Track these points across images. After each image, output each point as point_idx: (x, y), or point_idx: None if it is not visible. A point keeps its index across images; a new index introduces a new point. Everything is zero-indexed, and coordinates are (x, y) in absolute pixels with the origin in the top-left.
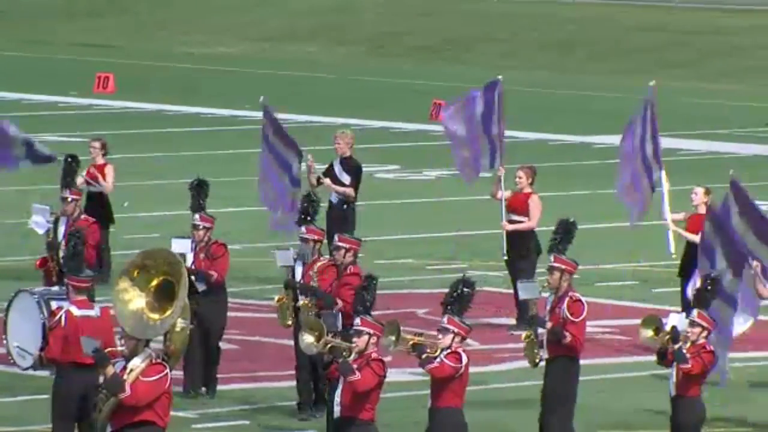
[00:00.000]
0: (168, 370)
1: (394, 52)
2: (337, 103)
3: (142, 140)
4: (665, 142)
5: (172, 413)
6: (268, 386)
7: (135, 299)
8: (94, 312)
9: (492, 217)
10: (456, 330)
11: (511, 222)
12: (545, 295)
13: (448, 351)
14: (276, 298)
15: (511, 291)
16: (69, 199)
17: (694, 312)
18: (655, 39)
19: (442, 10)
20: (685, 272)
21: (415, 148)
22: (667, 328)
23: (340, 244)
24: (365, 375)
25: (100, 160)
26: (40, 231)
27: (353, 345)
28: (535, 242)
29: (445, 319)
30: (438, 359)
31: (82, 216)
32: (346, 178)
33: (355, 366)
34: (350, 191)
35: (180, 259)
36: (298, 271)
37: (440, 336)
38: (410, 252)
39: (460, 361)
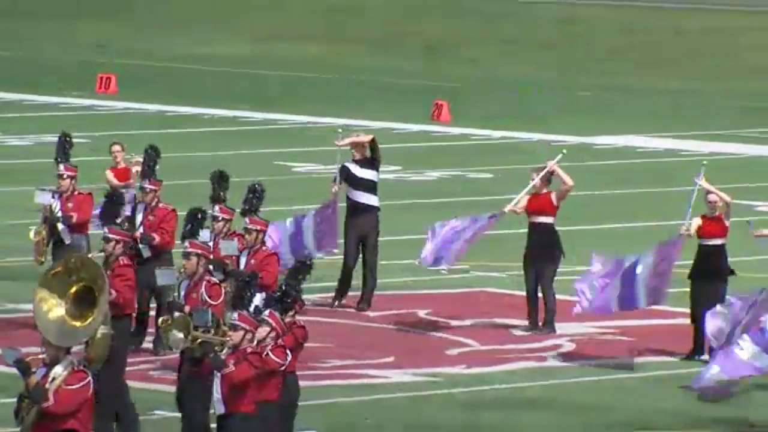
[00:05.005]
0: (90, 377)
1: (395, 52)
2: (337, 104)
3: (145, 141)
4: (665, 143)
5: (170, 413)
6: None
7: (55, 308)
8: None
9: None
10: (247, 327)
11: (537, 225)
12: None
13: (272, 346)
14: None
15: (510, 291)
16: (64, 176)
17: (235, 314)
18: (654, 39)
19: (443, 9)
20: (697, 275)
21: (417, 149)
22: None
23: (251, 226)
24: (241, 367)
25: (122, 164)
26: (46, 203)
27: (227, 340)
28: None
29: (235, 315)
30: (265, 354)
31: (161, 204)
32: (371, 174)
33: (232, 361)
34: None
35: (100, 265)
36: (242, 261)
37: (230, 333)
38: (410, 252)
39: (262, 362)
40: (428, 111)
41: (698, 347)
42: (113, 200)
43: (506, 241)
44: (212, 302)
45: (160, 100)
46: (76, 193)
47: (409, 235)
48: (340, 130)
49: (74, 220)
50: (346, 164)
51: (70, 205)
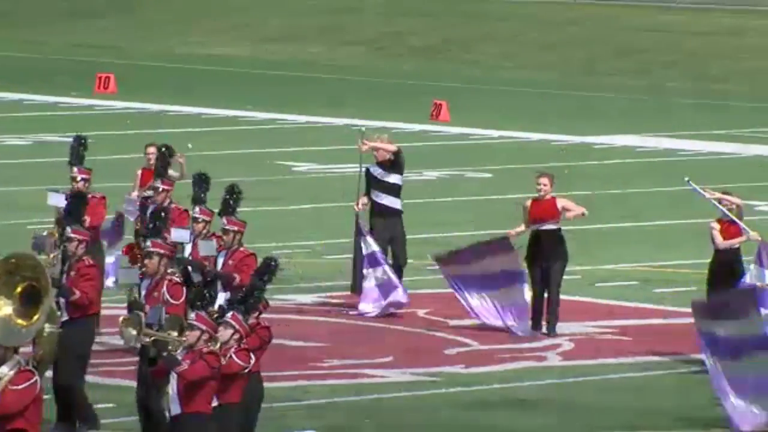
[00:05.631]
0: (37, 377)
1: (394, 52)
2: (337, 103)
3: (144, 141)
4: (666, 143)
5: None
6: (270, 386)
7: (1, 307)
8: None
9: (491, 218)
10: (204, 327)
11: (539, 232)
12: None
13: (233, 348)
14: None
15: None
16: (78, 179)
17: (192, 314)
18: (654, 39)
19: (442, 10)
20: (715, 280)
21: (416, 149)
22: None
23: (228, 227)
24: (197, 366)
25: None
26: (59, 204)
27: (182, 339)
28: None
29: (192, 315)
30: (228, 357)
31: (173, 204)
32: (394, 177)
33: (188, 360)
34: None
35: (41, 263)
36: (220, 261)
37: (186, 332)
38: (410, 252)
39: (218, 362)
40: (427, 111)
41: None
42: (77, 200)
43: None
44: (174, 302)
45: (160, 100)
46: (89, 196)
47: (407, 235)
48: (363, 129)
49: (87, 223)
50: (370, 168)
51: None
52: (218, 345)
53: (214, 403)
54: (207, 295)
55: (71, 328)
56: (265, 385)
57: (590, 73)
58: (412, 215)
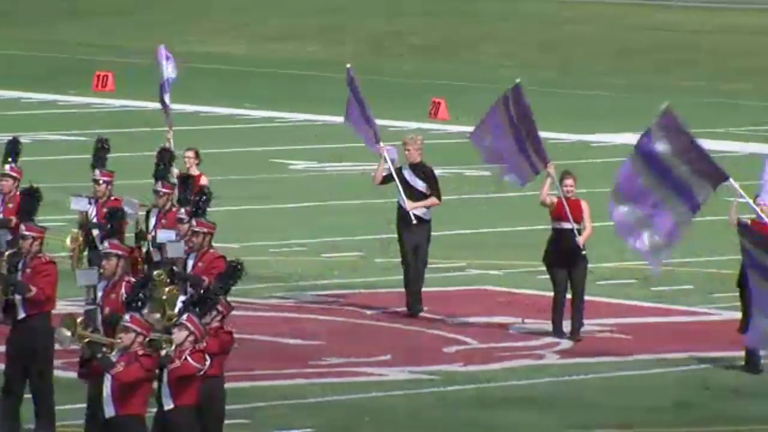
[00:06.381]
0: None
1: (394, 52)
2: (334, 102)
3: (142, 139)
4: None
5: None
6: (269, 384)
7: None
8: None
9: (490, 216)
10: (138, 330)
11: (560, 230)
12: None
13: (190, 350)
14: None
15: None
16: (100, 181)
17: (126, 316)
18: (655, 38)
19: (442, 9)
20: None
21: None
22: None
23: (198, 229)
24: (131, 369)
25: (194, 171)
26: (82, 209)
27: (116, 341)
28: None
29: (127, 317)
30: (183, 358)
31: (174, 208)
32: (420, 185)
33: (122, 362)
34: (436, 201)
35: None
36: (189, 263)
37: (121, 335)
38: None
39: (153, 365)
40: (425, 109)
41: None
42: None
43: (502, 238)
44: None
45: (158, 98)
46: (112, 198)
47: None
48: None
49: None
50: (403, 168)
51: (105, 211)
52: (173, 347)
53: (170, 405)
54: (139, 296)
55: (28, 327)
56: (264, 383)
57: (589, 72)
58: None
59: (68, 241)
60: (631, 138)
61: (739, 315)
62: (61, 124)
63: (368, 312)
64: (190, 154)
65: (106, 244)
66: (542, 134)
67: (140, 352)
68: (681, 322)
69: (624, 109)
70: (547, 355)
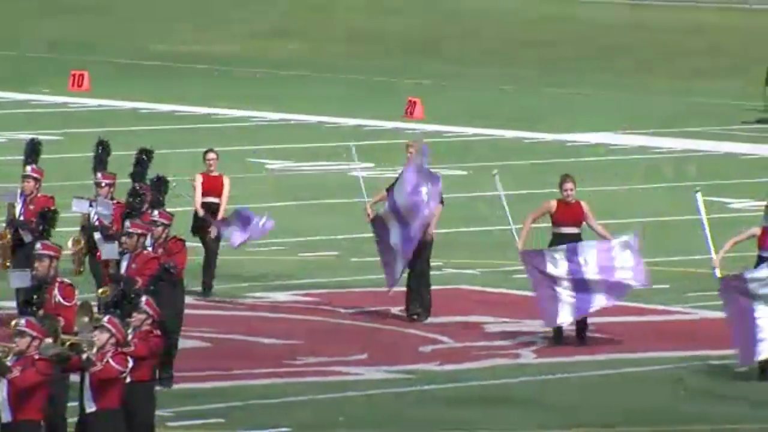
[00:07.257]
0: None
1: (372, 50)
2: (312, 101)
3: (118, 139)
4: (645, 141)
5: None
6: (244, 384)
7: None
8: None
9: (466, 215)
10: (34, 334)
11: (560, 235)
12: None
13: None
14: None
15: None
16: (102, 184)
17: (22, 320)
18: (636, 37)
19: (420, 7)
20: None
21: (390, 146)
22: None
23: (132, 230)
24: (27, 374)
25: (216, 173)
26: (84, 211)
27: (12, 346)
28: None
29: (22, 322)
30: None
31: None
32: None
33: (19, 367)
34: (438, 211)
35: None
36: (123, 265)
37: (17, 339)
38: None
39: (50, 370)
40: (401, 108)
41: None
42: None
43: (478, 238)
44: (66, 303)
45: (134, 97)
46: (114, 201)
47: None
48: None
49: (112, 231)
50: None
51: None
52: (95, 349)
53: (92, 408)
54: (34, 299)
55: None
56: (241, 383)
57: (570, 71)
58: None
59: (70, 243)
60: (611, 137)
61: (714, 313)
62: (35, 123)
63: (344, 311)
64: (212, 155)
65: (38, 245)
66: (522, 134)
67: (36, 357)
68: (657, 321)
69: (606, 108)
70: (524, 354)
